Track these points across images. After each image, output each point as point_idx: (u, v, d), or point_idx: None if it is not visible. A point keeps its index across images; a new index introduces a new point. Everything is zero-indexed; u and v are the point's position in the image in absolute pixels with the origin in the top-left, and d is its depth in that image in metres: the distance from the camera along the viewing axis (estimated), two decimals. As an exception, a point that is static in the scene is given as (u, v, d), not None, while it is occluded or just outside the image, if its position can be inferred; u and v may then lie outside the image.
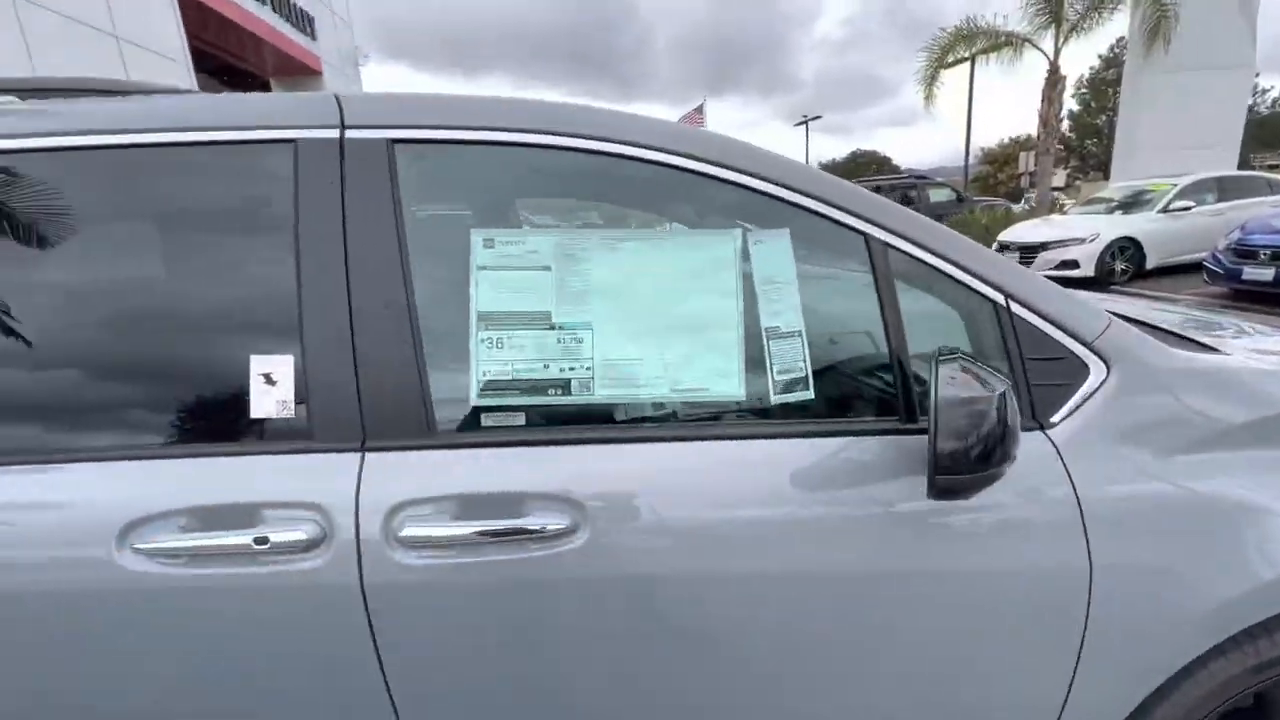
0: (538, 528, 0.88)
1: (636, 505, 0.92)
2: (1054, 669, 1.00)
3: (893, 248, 0.99)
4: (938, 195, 14.52)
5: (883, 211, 1.00)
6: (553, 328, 0.96)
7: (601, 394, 0.95)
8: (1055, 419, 0.99)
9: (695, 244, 1.01)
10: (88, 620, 0.85)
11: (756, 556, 0.93)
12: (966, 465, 0.80)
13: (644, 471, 0.93)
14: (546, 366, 0.95)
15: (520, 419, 0.95)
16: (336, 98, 0.98)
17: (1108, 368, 1.00)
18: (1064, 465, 0.96)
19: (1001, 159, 43.89)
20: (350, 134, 0.94)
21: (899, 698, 1.01)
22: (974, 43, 12.59)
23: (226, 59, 10.25)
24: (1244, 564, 0.97)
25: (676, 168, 0.98)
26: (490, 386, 0.94)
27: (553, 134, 0.97)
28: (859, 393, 1.08)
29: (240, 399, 0.89)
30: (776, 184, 0.98)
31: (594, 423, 0.97)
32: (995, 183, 44.19)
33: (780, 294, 0.99)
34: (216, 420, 0.92)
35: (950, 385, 0.80)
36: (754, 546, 0.93)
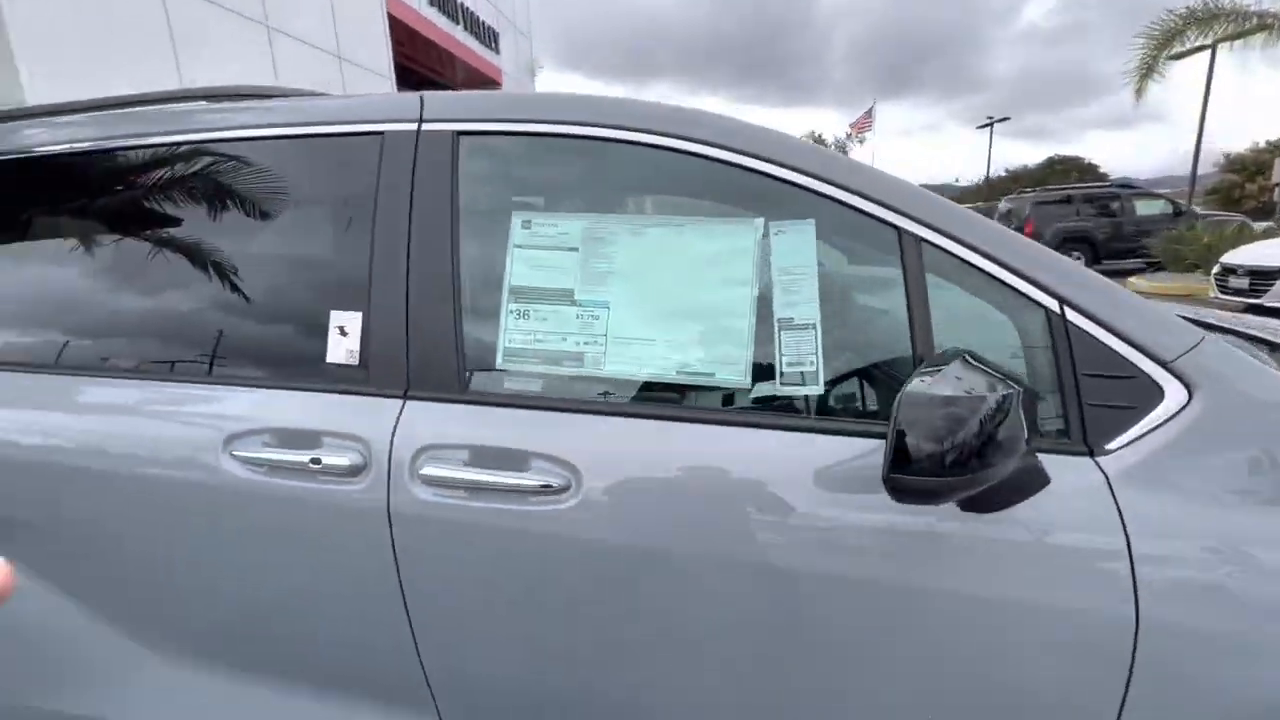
0: (536, 484, 0.96)
1: (629, 476, 0.96)
2: None
3: (928, 243, 0.93)
4: (1147, 207, 12.34)
5: (916, 203, 0.94)
6: (574, 304, 1.03)
7: (611, 369, 1.01)
8: (1111, 446, 0.86)
9: (716, 232, 1.02)
10: (196, 508, 1.08)
11: (739, 544, 0.92)
12: (926, 466, 0.73)
13: (642, 445, 0.97)
14: (564, 339, 1.03)
15: (538, 384, 1.04)
16: (420, 96, 1.14)
17: (1189, 392, 0.85)
18: (1114, 499, 0.84)
19: (1254, 167, 36.18)
20: (425, 126, 1.10)
21: None
22: (1212, 27, 10.51)
23: (424, 73, 11.74)
24: None
25: (704, 157, 1.01)
26: (514, 353, 1.04)
27: (587, 124, 1.04)
28: (872, 392, 1.01)
29: (319, 345, 1.08)
30: (800, 171, 0.97)
31: (602, 394, 1.03)
32: (1242, 195, 36.57)
33: (798, 285, 0.97)
34: (300, 360, 1.11)
35: (921, 381, 0.75)
36: (740, 534, 0.93)
